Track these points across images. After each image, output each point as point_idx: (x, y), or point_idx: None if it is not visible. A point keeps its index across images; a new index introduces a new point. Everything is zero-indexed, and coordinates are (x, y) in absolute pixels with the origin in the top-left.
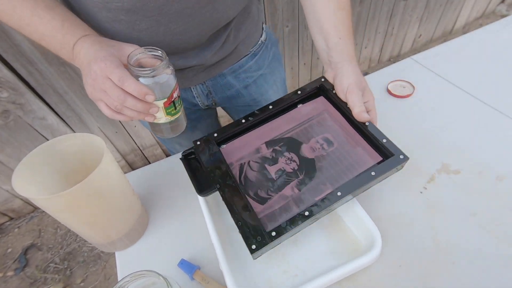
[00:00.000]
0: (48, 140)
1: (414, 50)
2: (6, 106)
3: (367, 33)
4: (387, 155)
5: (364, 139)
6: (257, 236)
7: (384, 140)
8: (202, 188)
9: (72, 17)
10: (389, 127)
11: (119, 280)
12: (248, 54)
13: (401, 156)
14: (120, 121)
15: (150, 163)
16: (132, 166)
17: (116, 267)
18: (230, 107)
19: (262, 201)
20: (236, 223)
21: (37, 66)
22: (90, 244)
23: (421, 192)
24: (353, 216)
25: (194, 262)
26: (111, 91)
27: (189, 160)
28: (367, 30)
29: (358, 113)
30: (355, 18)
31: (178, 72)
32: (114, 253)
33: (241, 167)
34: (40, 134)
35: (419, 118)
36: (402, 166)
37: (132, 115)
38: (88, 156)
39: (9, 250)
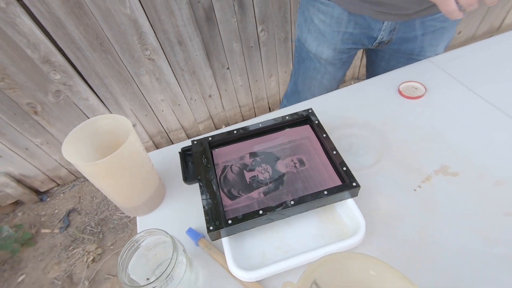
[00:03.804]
0: (89, 118)
1: (452, 47)
2: (58, 86)
3: None
4: (344, 180)
5: (332, 166)
6: (216, 220)
7: (344, 168)
8: (188, 177)
9: None
10: (396, 127)
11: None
12: None
13: (354, 184)
14: (149, 105)
15: None
16: (158, 147)
17: None
18: (393, 51)
19: (232, 197)
20: (203, 207)
21: (83, 53)
22: (120, 213)
23: (414, 190)
24: (344, 205)
25: (200, 231)
26: None
27: (185, 154)
28: None
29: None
30: None
31: (381, 11)
32: (136, 219)
33: (224, 168)
34: (83, 112)
35: (426, 119)
36: (356, 193)
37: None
38: (119, 133)
39: (56, 211)
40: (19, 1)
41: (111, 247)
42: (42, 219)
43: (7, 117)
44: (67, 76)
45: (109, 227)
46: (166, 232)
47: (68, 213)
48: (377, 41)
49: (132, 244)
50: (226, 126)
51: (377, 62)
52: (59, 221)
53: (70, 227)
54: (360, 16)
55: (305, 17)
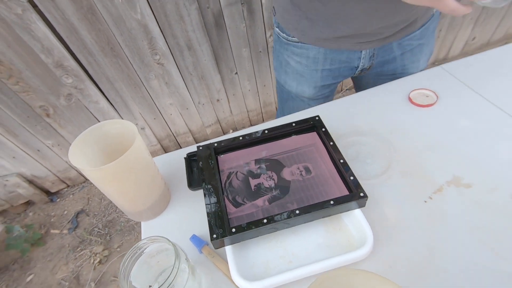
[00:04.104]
0: (99, 121)
1: (465, 54)
2: (70, 90)
3: None
4: (352, 190)
5: (339, 174)
6: (220, 228)
7: (352, 178)
8: (193, 183)
9: None
10: (405, 136)
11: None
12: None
13: (361, 194)
14: (158, 109)
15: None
16: (166, 151)
17: None
18: (376, 74)
19: (236, 204)
20: (207, 214)
21: (95, 57)
22: (126, 216)
23: (425, 201)
24: (351, 215)
25: (203, 238)
26: None
27: (191, 160)
28: None
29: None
30: None
31: (358, 41)
32: (141, 223)
33: (229, 174)
34: (94, 116)
35: (438, 128)
36: (364, 204)
37: None
38: (125, 138)
39: (65, 212)
40: (35, 7)
41: (118, 249)
42: (52, 219)
43: (21, 119)
44: (79, 80)
45: (116, 229)
46: (168, 239)
47: (77, 214)
48: (358, 69)
49: (135, 251)
50: (233, 130)
51: (364, 87)
52: (68, 222)
53: (78, 228)
54: (337, 51)
55: (280, 60)
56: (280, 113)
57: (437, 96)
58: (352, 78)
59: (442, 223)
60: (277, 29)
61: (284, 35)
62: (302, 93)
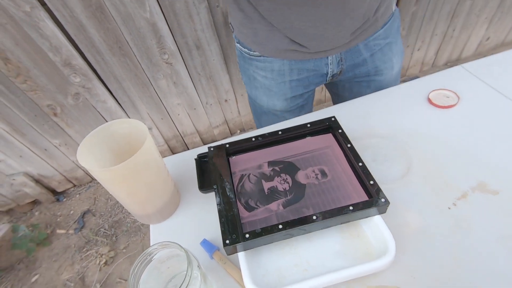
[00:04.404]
0: (106, 121)
1: (479, 54)
2: (78, 89)
3: (422, 34)
4: (371, 195)
5: (357, 178)
6: (233, 234)
7: (371, 182)
8: (204, 186)
9: None
10: (425, 138)
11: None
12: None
13: (382, 200)
14: (165, 109)
15: (189, 149)
16: (173, 151)
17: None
18: (350, 78)
19: (249, 209)
20: (220, 219)
21: (103, 56)
22: (133, 216)
23: (449, 208)
24: (370, 221)
25: (215, 243)
26: None
27: (201, 161)
28: (422, 31)
29: None
30: (408, 19)
31: (319, 50)
32: (149, 226)
33: (242, 177)
34: (101, 115)
35: (460, 131)
36: (385, 210)
37: None
38: (135, 138)
39: (72, 212)
40: (43, 5)
41: (124, 250)
42: (58, 219)
43: (28, 118)
44: (87, 79)
45: (122, 230)
46: (180, 245)
47: (83, 214)
48: (329, 75)
49: (145, 257)
50: (241, 131)
51: (340, 94)
52: (74, 222)
53: (85, 229)
54: (302, 61)
55: (247, 75)
56: (258, 127)
57: (458, 97)
58: (326, 86)
59: (468, 232)
60: (238, 45)
61: (246, 50)
62: (273, 106)
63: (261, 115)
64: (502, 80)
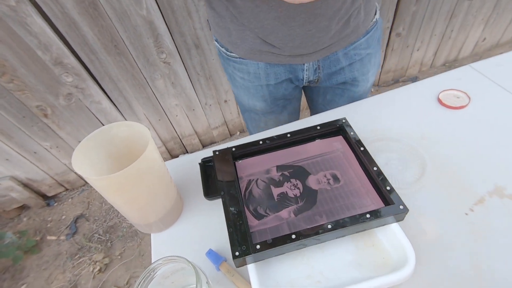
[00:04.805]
0: (101, 122)
1: (475, 55)
2: (70, 89)
3: (421, 35)
4: (388, 202)
5: (371, 183)
6: (242, 245)
7: (388, 188)
8: (209, 192)
9: None
10: (437, 140)
11: (152, 262)
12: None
13: (401, 207)
14: (163, 110)
15: (187, 151)
16: (171, 153)
17: (150, 245)
18: (326, 86)
19: (259, 216)
20: (228, 229)
21: (97, 55)
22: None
23: (466, 214)
24: (387, 229)
25: (221, 253)
26: None
27: (206, 166)
28: (422, 31)
29: None
30: (409, 19)
31: (298, 54)
32: (149, 233)
33: (249, 182)
34: (95, 116)
35: (473, 132)
36: (403, 217)
37: None
38: (135, 142)
39: (63, 217)
40: None
41: (119, 256)
42: (49, 225)
43: (16, 119)
44: (80, 79)
45: (117, 235)
46: (187, 260)
47: (76, 219)
48: (305, 81)
49: (148, 274)
50: (240, 132)
51: (314, 98)
52: (66, 228)
53: (77, 234)
54: (278, 65)
55: (228, 73)
56: (246, 124)
57: (469, 97)
58: (304, 89)
59: (488, 239)
60: (216, 43)
61: (224, 49)
62: (254, 106)
63: (244, 112)
64: (511, 79)
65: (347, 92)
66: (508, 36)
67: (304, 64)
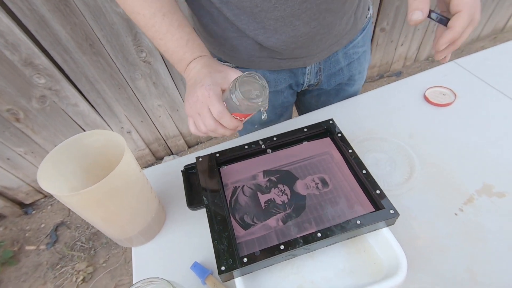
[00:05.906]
0: (80, 126)
1: (457, 49)
2: (43, 91)
3: (405, 29)
4: (378, 207)
5: (361, 187)
6: (229, 258)
7: (378, 192)
8: (193, 202)
9: (195, 37)
10: (424, 138)
11: (133, 282)
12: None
13: (391, 211)
14: (145, 111)
15: (172, 153)
16: (155, 155)
17: None
18: (322, 88)
19: (245, 226)
20: (213, 241)
21: (72, 55)
22: None
23: (456, 214)
24: (378, 234)
25: (207, 266)
26: (206, 119)
27: (189, 173)
28: (406, 26)
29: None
30: (393, 14)
31: (298, 56)
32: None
33: (235, 189)
34: (73, 119)
35: (460, 130)
36: (393, 222)
37: (214, 135)
38: (110, 152)
39: (43, 225)
40: None
41: (104, 264)
42: (27, 234)
43: None
44: (54, 80)
45: (101, 242)
46: (169, 282)
47: (56, 227)
48: (305, 85)
49: None
50: None
51: (307, 101)
52: (46, 237)
53: (58, 243)
54: (278, 72)
55: None
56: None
57: (455, 94)
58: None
59: (480, 240)
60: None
61: (216, 58)
62: (253, 116)
63: None
64: (495, 75)
65: (342, 91)
66: (489, 29)
67: (305, 67)
